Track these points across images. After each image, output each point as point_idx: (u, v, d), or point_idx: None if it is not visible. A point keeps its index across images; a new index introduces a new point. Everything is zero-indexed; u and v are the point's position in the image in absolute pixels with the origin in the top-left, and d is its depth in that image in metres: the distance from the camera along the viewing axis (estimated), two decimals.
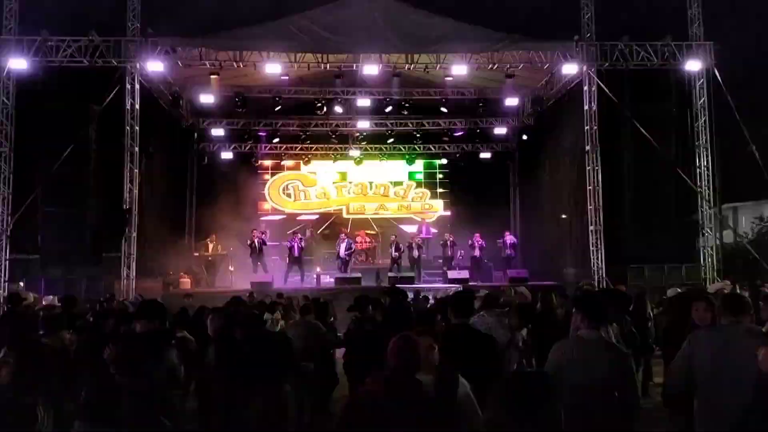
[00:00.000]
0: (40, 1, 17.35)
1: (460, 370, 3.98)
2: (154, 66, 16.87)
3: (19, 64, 16.24)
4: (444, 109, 21.90)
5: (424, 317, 5.27)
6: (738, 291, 10.36)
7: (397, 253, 20.09)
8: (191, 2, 18.37)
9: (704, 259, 17.97)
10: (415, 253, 20.45)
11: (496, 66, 18.15)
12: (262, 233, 20.00)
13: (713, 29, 17.96)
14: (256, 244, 19.26)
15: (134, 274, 16.35)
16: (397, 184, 26.04)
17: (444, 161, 25.89)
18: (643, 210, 17.67)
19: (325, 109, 21.17)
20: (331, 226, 24.96)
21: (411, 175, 26.00)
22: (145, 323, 5.05)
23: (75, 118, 16.30)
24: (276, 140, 23.94)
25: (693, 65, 17.38)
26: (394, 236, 21.32)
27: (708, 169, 17.83)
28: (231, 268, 19.51)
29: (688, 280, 16.70)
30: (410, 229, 24.44)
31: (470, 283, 17.24)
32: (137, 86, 16.76)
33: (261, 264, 19.25)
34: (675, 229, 17.79)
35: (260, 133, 23.59)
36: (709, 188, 17.83)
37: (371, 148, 24.90)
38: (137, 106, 16.79)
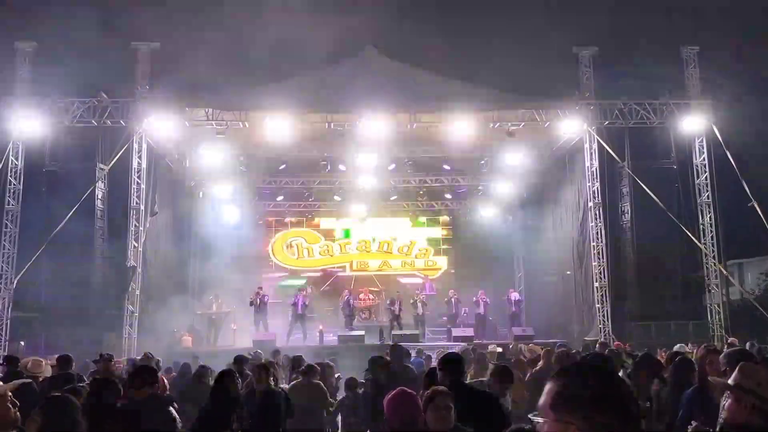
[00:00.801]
0: (51, 63, 17.80)
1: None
2: (161, 126, 17.15)
3: (29, 124, 16.52)
4: (447, 167, 22.10)
5: (428, 376, 5.18)
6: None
7: (395, 309, 19.84)
8: (198, 64, 18.80)
9: (711, 316, 17.80)
10: (420, 310, 20.30)
11: (497, 124, 18.40)
12: (264, 293, 19.82)
13: (711, 87, 18.31)
14: (258, 301, 19.14)
15: (136, 332, 16.22)
16: (400, 240, 26.08)
17: (447, 218, 25.99)
18: (648, 267, 17.65)
19: (329, 167, 21.39)
20: (333, 283, 24.89)
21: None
22: (143, 391, 4.97)
23: (82, 177, 16.52)
24: (280, 198, 24.11)
25: (692, 123, 17.59)
26: (398, 292, 21.16)
27: (711, 226, 17.83)
28: (234, 327, 19.33)
29: (696, 338, 16.50)
30: (414, 285, 24.31)
31: (475, 341, 17.05)
32: (144, 146, 17.01)
33: (263, 322, 19.09)
34: (680, 286, 17.74)
35: (264, 191, 23.80)
36: (713, 245, 17.81)
37: (374, 205, 25.03)
38: (144, 165, 17.00)
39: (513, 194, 24.22)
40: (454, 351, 5.80)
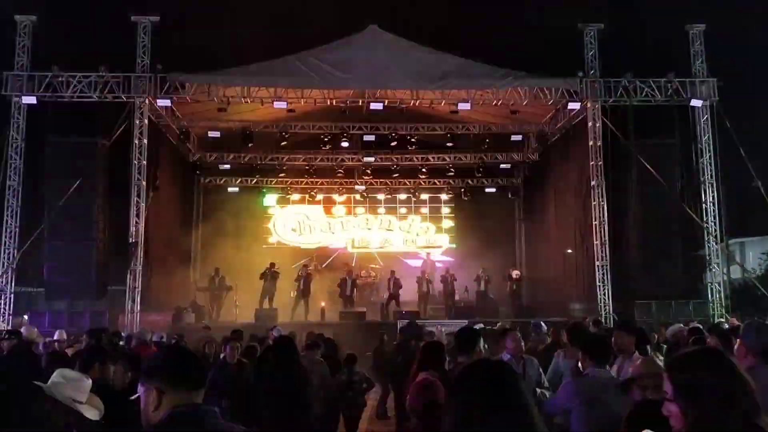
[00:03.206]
0: (52, 37, 17.64)
1: None
2: (163, 102, 17.09)
3: (29, 99, 16.44)
4: (449, 144, 22.01)
5: (432, 353, 5.11)
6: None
7: (394, 289, 19.82)
8: (200, 39, 18.66)
9: (712, 295, 17.81)
10: (424, 287, 20.33)
11: (500, 102, 18.29)
12: (276, 269, 19.81)
13: (716, 65, 18.14)
14: (269, 276, 19.17)
15: (139, 307, 16.29)
16: (402, 218, 26.03)
17: (449, 196, 25.93)
18: (650, 245, 17.56)
19: (331, 144, 21.30)
20: (335, 260, 24.90)
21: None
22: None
23: (83, 153, 16.47)
24: (282, 174, 24.07)
25: (696, 101, 17.48)
26: (392, 271, 21.12)
27: (714, 205, 17.79)
28: (237, 303, 19.42)
29: (696, 317, 16.51)
30: (415, 263, 24.32)
31: (474, 318, 17.10)
32: (145, 121, 16.94)
33: (269, 296, 19.14)
34: (682, 264, 17.66)
35: (266, 168, 23.71)
36: (715, 223, 17.78)
37: (377, 182, 24.97)
38: (145, 141, 16.94)
39: (516, 172, 24.16)
40: (467, 327, 5.80)
